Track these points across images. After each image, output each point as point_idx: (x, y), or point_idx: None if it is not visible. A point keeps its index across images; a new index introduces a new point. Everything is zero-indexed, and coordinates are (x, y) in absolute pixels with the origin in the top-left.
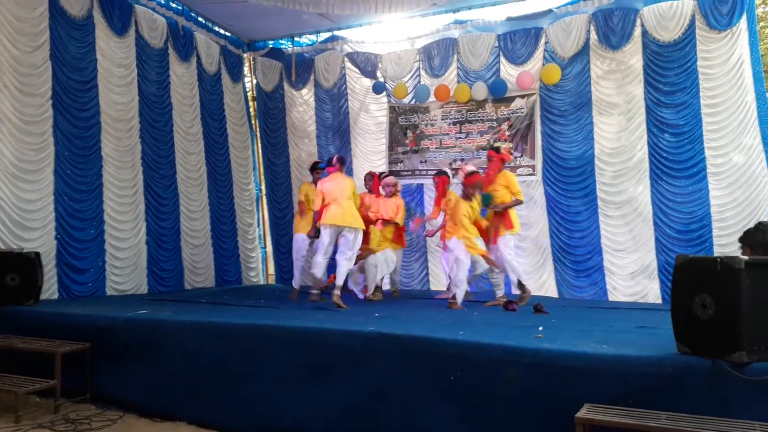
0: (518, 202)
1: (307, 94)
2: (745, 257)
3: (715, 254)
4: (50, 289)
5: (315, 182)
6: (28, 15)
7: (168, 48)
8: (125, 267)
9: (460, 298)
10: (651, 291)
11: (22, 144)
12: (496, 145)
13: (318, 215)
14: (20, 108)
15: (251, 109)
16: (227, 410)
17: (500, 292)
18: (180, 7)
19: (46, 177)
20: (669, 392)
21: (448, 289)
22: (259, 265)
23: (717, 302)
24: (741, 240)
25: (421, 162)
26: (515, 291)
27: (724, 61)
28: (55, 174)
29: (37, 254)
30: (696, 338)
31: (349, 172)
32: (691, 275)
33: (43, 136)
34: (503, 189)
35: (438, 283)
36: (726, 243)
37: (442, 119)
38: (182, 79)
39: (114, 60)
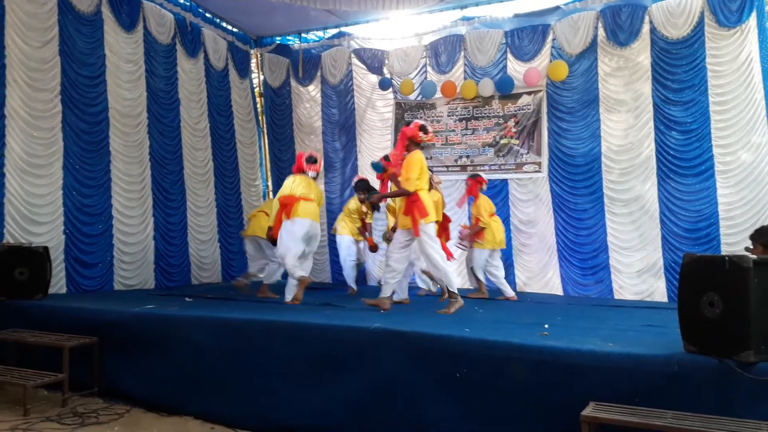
0: (398, 193)
1: (313, 90)
2: (754, 256)
3: (723, 253)
4: (58, 284)
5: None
6: (38, 10)
7: (176, 44)
8: (133, 262)
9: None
10: (657, 289)
11: (32, 139)
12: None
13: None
14: (29, 103)
15: (258, 105)
16: (234, 405)
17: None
18: (188, 3)
19: (55, 172)
20: (675, 391)
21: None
22: None
23: (725, 301)
24: (753, 237)
25: (427, 158)
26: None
27: (733, 59)
28: (64, 169)
29: (46, 249)
30: (703, 337)
31: (354, 169)
32: (698, 274)
33: (52, 131)
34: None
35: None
36: (734, 242)
37: (448, 116)
38: (190, 74)
39: (122, 56)
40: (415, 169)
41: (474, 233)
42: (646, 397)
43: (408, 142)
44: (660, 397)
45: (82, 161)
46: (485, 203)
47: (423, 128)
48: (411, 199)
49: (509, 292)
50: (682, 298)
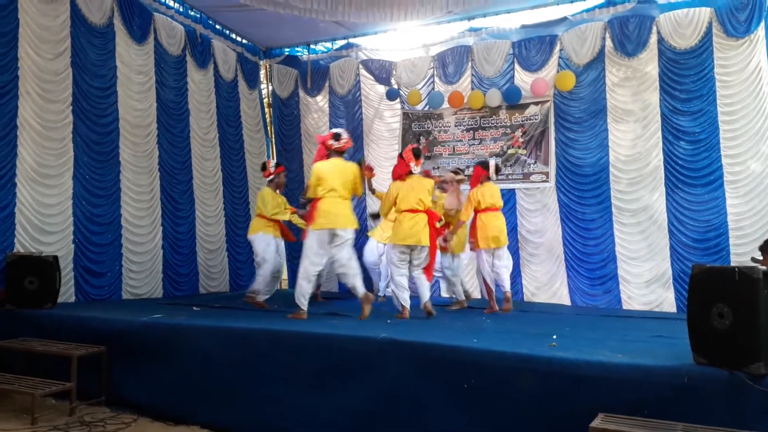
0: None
1: (321, 100)
2: (764, 267)
3: (732, 263)
4: (67, 293)
5: None
6: (51, 23)
7: (186, 55)
8: (141, 271)
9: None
10: (666, 300)
11: (43, 149)
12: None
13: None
14: (41, 114)
15: (267, 116)
16: (241, 414)
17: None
18: (198, 15)
19: (66, 182)
20: (685, 403)
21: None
22: None
23: (734, 312)
24: (762, 248)
25: (434, 168)
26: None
27: (741, 69)
28: (74, 179)
29: (56, 258)
30: (713, 348)
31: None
32: (708, 285)
33: (63, 141)
34: None
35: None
36: (743, 252)
37: (456, 126)
38: (199, 85)
39: (133, 67)
40: (312, 177)
41: (453, 232)
42: (655, 408)
43: (325, 149)
44: (669, 408)
45: (92, 171)
46: (477, 195)
47: (336, 136)
48: (311, 205)
49: (505, 285)
50: (691, 309)
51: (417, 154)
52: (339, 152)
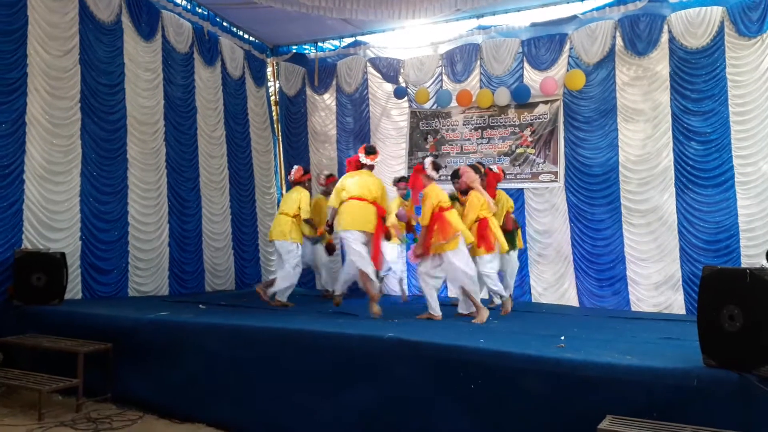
0: None
1: (329, 98)
2: None
3: (743, 265)
4: (74, 289)
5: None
6: (59, 20)
7: (193, 52)
8: (148, 268)
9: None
10: (675, 302)
11: (51, 146)
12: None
13: None
14: (50, 111)
15: (274, 114)
16: (246, 413)
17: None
18: (206, 13)
19: (74, 179)
20: (694, 405)
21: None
22: None
23: (745, 314)
24: None
25: (443, 167)
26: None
27: (753, 68)
28: (82, 176)
29: (63, 255)
30: (723, 351)
31: None
32: (718, 286)
33: (71, 138)
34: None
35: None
36: (754, 254)
37: (464, 124)
38: (207, 83)
39: (141, 64)
40: None
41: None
42: (663, 411)
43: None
44: (678, 411)
45: (99, 168)
46: (438, 193)
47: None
48: None
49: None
50: (701, 311)
51: (370, 151)
52: (296, 183)
